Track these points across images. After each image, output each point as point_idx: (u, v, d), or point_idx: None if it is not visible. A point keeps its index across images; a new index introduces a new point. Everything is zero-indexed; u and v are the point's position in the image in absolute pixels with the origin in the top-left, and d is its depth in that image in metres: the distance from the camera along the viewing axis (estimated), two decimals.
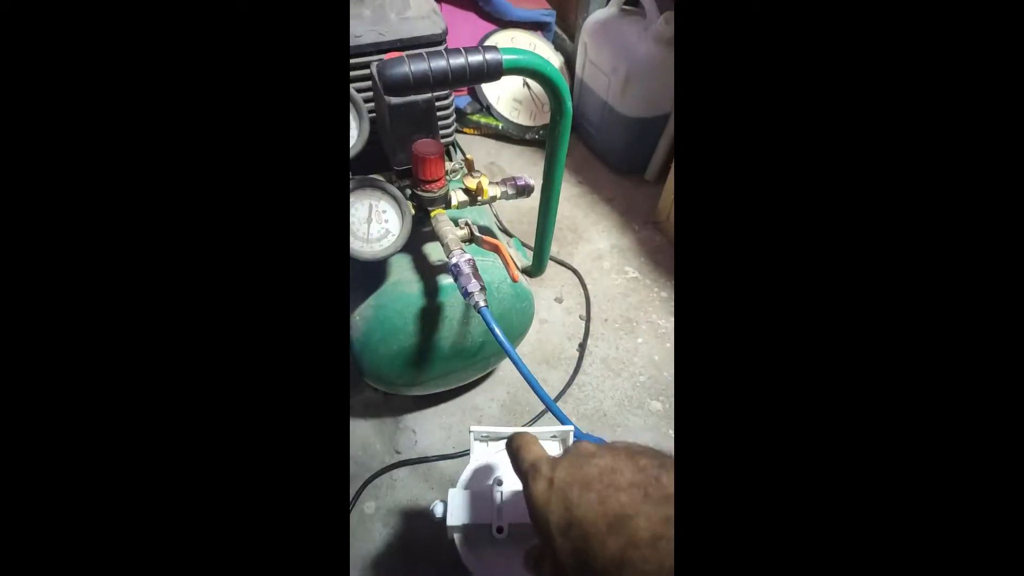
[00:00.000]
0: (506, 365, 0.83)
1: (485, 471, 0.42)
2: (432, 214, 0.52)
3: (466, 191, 0.54)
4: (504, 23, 1.25)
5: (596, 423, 0.80)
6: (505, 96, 1.25)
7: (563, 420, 0.47)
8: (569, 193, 1.18)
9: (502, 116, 1.25)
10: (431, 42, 0.54)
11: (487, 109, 1.25)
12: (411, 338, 0.59)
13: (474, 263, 0.47)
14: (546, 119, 1.26)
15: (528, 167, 1.24)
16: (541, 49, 1.26)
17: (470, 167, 0.53)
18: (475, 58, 0.39)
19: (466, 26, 1.23)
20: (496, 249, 0.50)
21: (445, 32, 0.54)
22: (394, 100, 0.45)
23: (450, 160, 0.62)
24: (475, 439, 0.43)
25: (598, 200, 1.18)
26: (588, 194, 1.19)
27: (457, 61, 0.38)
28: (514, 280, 0.47)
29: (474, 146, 1.28)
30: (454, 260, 0.47)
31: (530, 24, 1.27)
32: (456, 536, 0.39)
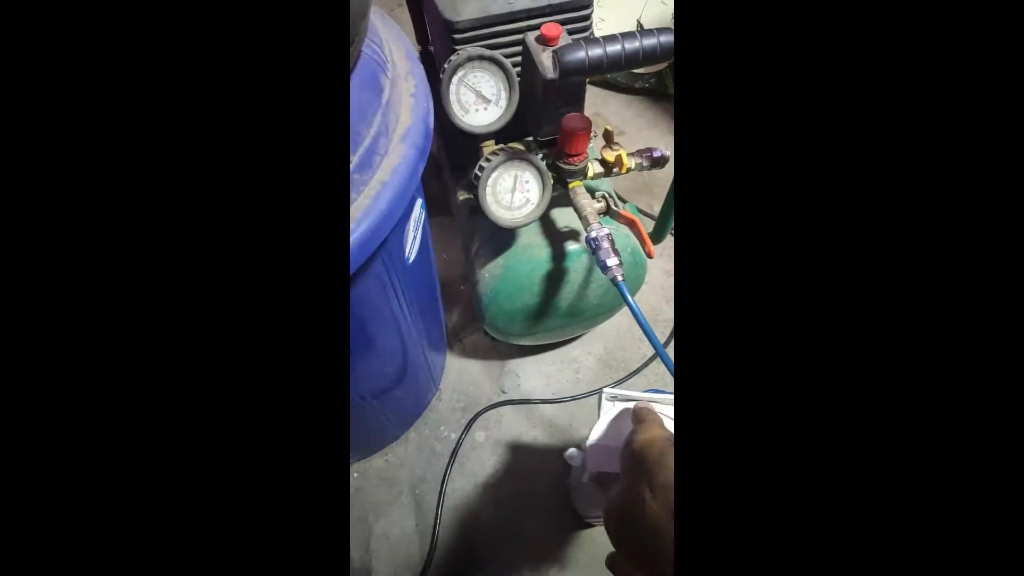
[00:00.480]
0: (605, 322, 0.87)
1: (614, 427, 0.48)
2: (570, 185, 0.54)
3: (603, 163, 0.55)
4: None
5: None
6: None
7: None
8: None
9: None
10: (579, 6, 0.54)
11: None
12: (535, 297, 0.64)
13: (612, 237, 0.50)
14: (661, 66, 1.19)
15: (634, 118, 1.20)
16: None
17: (609, 139, 0.54)
18: (649, 42, 0.39)
19: None
20: (632, 224, 0.52)
21: None
22: (550, 75, 0.47)
23: None
24: (606, 399, 0.48)
25: None
26: None
27: (632, 45, 0.38)
28: (650, 256, 0.49)
29: None
30: (593, 234, 0.50)
31: None
32: (588, 479, 0.45)
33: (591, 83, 1.26)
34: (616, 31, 1.22)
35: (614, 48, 0.38)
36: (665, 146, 0.55)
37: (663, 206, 0.62)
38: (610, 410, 0.48)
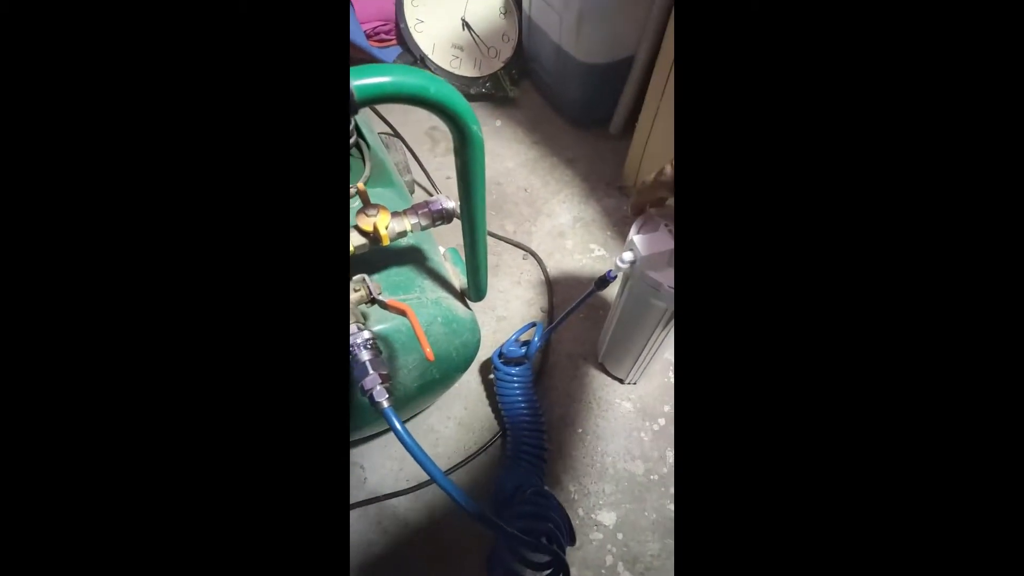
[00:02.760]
0: (463, 379, 0.75)
1: (645, 234, 0.51)
2: None
3: (362, 232, 0.41)
4: None
5: (567, 410, 0.74)
6: (441, 43, 1.06)
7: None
8: (525, 157, 1.04)
9: (440, 69, 1.07)
10: None
11: (421, 61, 1.06)
12: None
13: (374, 342, 0.37)
14: (495, 66, 1.08)
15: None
16: None
17: (365, 200, 0.41)
18: None
19: None
20: (404, 315, 0.39)
21: None
22: None
23: (360, 156, 0.48)
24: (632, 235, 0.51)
25: (558, 163, 1.04)
26: (546, 156, 1.05)
27: None
28: (429, 359, 0.37)
29: (410, 109, 1.10)
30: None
31: None
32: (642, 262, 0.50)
33: None
34: (438, 34, 1.08)
35: None
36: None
37: (468, 274, 0.50)
38: (635, 232, 0.51)
